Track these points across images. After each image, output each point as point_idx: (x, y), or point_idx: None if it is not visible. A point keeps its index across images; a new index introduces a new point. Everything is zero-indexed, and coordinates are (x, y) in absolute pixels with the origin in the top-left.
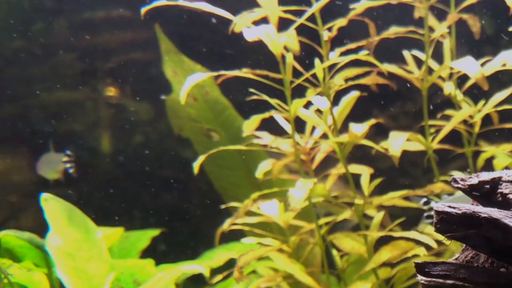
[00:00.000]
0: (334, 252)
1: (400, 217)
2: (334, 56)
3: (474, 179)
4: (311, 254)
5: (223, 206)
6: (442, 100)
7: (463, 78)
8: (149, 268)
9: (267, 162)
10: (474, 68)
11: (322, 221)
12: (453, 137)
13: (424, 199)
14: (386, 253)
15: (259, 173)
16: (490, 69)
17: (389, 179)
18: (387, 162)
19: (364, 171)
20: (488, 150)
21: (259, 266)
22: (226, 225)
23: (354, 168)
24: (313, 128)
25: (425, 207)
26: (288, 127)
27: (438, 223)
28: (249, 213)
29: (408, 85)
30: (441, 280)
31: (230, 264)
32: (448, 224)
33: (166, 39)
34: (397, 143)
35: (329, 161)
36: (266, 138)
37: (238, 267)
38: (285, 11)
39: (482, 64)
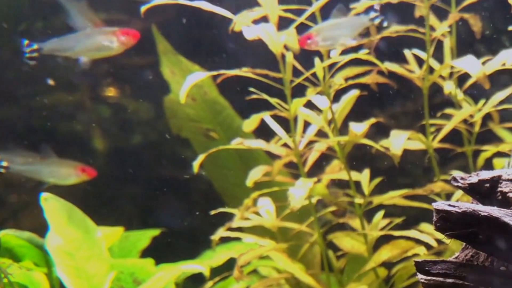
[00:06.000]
0: (330, 253)
1: (400, 217)
2: (334, 55)
3: (474, 178)
4: (311, 253)
5: (212, 212)
6: (443, 99)
7: (462, 78)
8: (149, 267)
9: (258, 169)
10: (475, 67)
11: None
12: (453, 136)
13: None
14: (386, 252)
15: (249, 182)
16: (490, 68)
17: (389, 179)
18: (387, 162)
19: (362, 175)
20: (488, 149)
21: (259, 266)
22: (223, 229)
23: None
24: (309, 127)
25: None
26: (279, 130)
27: (438, 221)
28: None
29: (409, 84)
30: (441, 279)
31: (231, 264)
32: (448, 222)
33: (164, 39)
34: (398, 142)
35: (329, 161)
36: (259, 143)
37: (238, 266)
38: (285, 10)
39: (482, 64)
